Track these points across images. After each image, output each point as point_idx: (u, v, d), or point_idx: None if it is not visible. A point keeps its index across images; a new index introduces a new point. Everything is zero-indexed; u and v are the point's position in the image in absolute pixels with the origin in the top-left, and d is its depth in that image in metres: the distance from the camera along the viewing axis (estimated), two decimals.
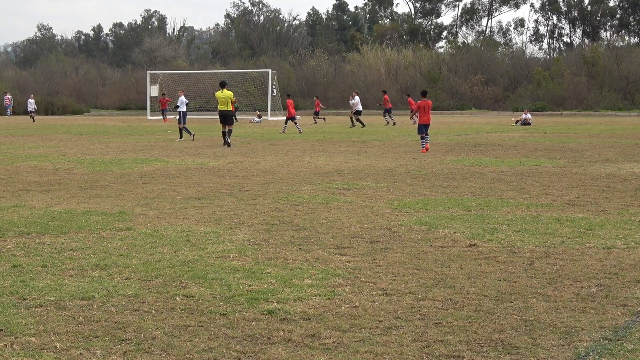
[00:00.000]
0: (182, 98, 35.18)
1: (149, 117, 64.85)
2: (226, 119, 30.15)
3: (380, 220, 11.77)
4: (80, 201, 14.02)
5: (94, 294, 7.47)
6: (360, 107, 49.07)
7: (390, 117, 51.58)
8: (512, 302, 7.22)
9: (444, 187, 16.02)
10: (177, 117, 34.74)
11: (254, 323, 6.62)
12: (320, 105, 57.87)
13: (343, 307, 7.06)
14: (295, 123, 41.18)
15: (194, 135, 33.64)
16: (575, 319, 6.70)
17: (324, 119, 57.78)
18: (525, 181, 16.97)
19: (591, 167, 20.31)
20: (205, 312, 6.90)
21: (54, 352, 5.91)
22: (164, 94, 64.06)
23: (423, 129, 26.31)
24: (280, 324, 6.59)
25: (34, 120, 59.63)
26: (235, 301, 7.25)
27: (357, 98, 49.33)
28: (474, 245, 9.87)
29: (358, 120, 48.24)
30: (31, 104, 64.21)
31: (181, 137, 33.80)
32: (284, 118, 56.02)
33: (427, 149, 25.89)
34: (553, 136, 35.93)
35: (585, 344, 6.07)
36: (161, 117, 61.04)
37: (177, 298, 7.36)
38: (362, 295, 7.46)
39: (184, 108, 34.62)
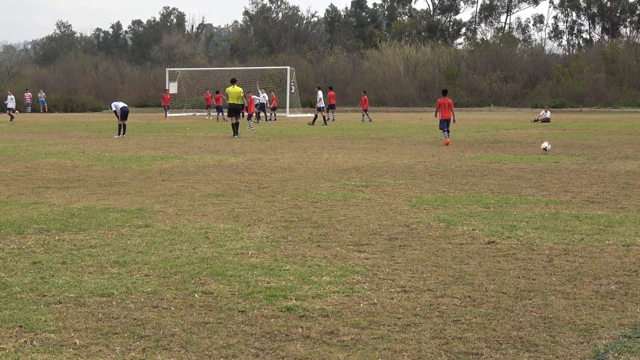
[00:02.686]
0: (115, 103, 36.02)
1: (168, 114, 64.91)
2: (235, 111, 35.07)
3: (399, 217, 11.76)
4: (99, 198, 14.07)
5: (113, 291, 7.50)
6: (322, 104, 48.83)
7: (332, 113, 53.67)
8: (531, 300, 7.20)
9: (463, 184, 15.99)
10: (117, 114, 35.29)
11: (272, 320, 6.63)
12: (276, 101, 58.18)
13: (361, 304, 7.06)
14: (249, 120, 41.38)
15: (121, 136, 34.14)
16: (594, 317, 6.68)
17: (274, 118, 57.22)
18: (544, 178, 16.92)
19: (610, 164, 20.23)
20: (224, 309, 6.92)
21: (73, 349, 5.94)
22: (167, 90, 63.67)
23: (444, 124, 28.17)
24: (298, 321, 6.60)
25: (11, 119, 54.39)
26: (253, 298, 7.26)
27: (320, 93, 49.21)
28: (493, 242, 9.85)
29: (316, 116, 47.99)
30: (11, 101, 57.51)
31: (123, 133, 34.30)
32: (303, 115, 56.12)
33: (447, 143, 27.55)
34: (572, 133, 35.80)
35: (604, 342, 6.05)
36: (182, 114, 60.76)
37: (196, 295, 7.38)
38: (381, 293, 7.46)
39: (120, 105, 35.45)
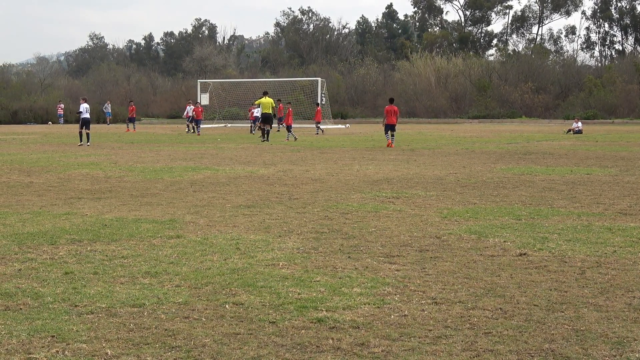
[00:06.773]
0: (85, 105, 37.26)
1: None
2: (267, 120, 40.35)
3: (430, 229, 11.73)
4: (131, 209, 14.13)
5: (144, 301, 7.52)
6: (258, 114, 48.79)
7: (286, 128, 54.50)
8: (563, 312, 7.15)
9: (494, 195, 15.93)
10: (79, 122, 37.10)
11: (303, 331, 6.62)
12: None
13: (392, 316, 7.05)
14: (290, 131, 42.89)
15: (86, 144, 35.78)
16: (627, 329, 6.62)
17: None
18: (576, 190, 16.82)
19: None
20: (255, 320, 6.92)
21: (104, 359, 5.96)
22: (131, 101, 62.19)
23: (389, 128, 34.00)
24: (329, 333, 6.59)
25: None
26: (284, 309, 7.26)
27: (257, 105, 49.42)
28: (525, 254, 9.79)
29: (259, 128, 47.72)
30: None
31: (88, 141, 36.19)
32: (334, 126, 56.15)
33: (390, 145, 33.63)
34: (604, 144, 35.59)
35: (637, 355, 5.99)
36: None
37: (227, 306, 7.39)
38: (412, 304, 7.43)
39: (86, 115, 36.86)
